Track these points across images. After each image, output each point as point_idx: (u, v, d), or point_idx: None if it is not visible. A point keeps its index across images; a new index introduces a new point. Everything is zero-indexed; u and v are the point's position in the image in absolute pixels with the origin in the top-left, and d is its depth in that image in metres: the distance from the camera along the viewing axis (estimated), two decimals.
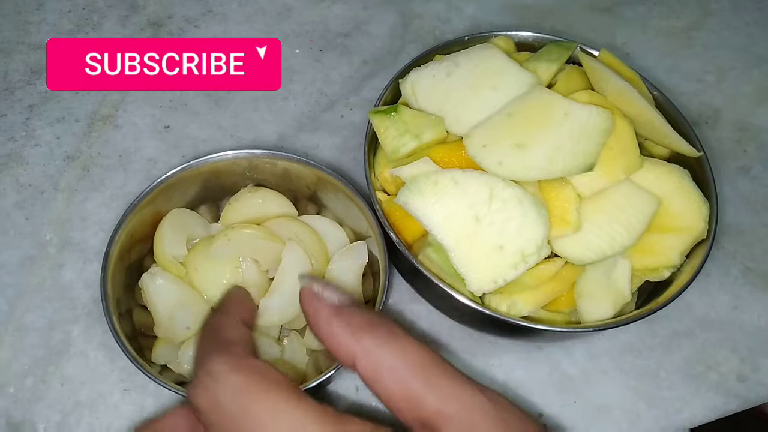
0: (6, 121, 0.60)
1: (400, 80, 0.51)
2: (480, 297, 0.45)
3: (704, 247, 0.47)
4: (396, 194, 0.47)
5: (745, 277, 0.58)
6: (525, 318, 0.45)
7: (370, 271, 0.50)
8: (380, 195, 0.49)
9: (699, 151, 0.49)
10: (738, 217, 0.61)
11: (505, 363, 0.52)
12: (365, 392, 0.50)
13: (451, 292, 0.43)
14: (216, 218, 0.52)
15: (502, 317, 0.43)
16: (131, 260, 0.47)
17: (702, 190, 0.48)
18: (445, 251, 0.43)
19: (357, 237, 0.50)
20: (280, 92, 0.64)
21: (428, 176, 0.44)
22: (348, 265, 0.48)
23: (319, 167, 0.48)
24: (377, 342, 0.27)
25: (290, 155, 0.48)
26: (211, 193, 0.51)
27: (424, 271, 0.43)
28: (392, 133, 0.47)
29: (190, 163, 0.47)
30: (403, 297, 0.54)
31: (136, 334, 0.46)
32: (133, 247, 0.47)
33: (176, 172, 0.46)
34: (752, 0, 0.77)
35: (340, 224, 0.51)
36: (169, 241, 0.47)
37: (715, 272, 0.57)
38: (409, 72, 0.51)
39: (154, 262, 0.48)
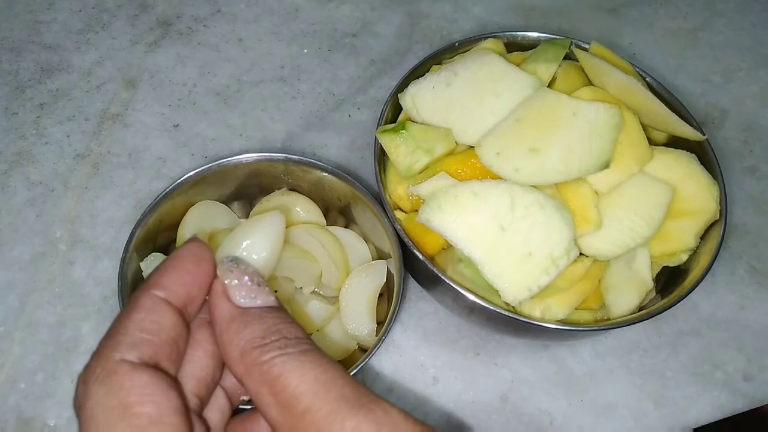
0: (17, 119, 0.61)
1: (399, 95, 0.50)
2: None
3: (718, 227, 0.48)
4: (411, 210, 0.47)
5: (752, 277, 0.58)
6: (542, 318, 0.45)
7: (387, 288, 0.50)
8: (398, 214, 0.48)
9: (703, 135, 0.49)
10: (744, 217, 0.61)
11: (511, 361, 0.52)
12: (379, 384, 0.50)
13: (485, 304, 0.43)
14: (248, 215, 0.53)
15: (539, 323, 0.43)
16: (157, 246, 0.48)
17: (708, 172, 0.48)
18: (475, 265, 0.43)
19: (380, 256, 0.51)
20: (288, 92, 0.64)
21: (447, 191, 0.44)
22: (366, 282, 0.48)
23: (352, 182, 0.48)
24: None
25: (324, 165, 0.48)
26: (247, 191, 0.52)
27: (459, 289, 0.43)
28: (403, 150, 0.47)
29: (226, 160, 0.48)
30: (410, 295, 0.54)
31: None
32: (160, 234, 0.48)
33: (207, 168, 0.47)
34: (759, 0, 0.77)
35: (366, 240, 0.51)
36: (191, 229, 0.48)
37: (722, 272, 0.57)
38: (407, 85, 0.50)
39: None
